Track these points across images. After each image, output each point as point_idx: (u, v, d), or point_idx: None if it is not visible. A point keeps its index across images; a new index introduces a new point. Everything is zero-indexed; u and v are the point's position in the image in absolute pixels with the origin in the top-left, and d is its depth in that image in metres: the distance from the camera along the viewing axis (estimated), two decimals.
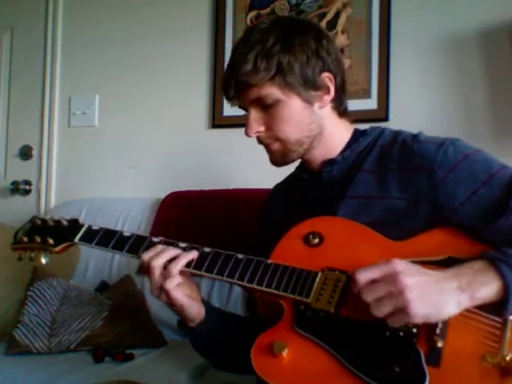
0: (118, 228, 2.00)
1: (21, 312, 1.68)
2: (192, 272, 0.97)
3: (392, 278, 0.77)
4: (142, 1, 2.32)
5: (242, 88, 0.98)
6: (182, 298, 0.96)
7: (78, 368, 1.45)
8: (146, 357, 1.56)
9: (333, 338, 0.83)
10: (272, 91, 0.97)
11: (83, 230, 1.06)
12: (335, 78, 1.02)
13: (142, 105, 2.29)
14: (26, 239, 1.08)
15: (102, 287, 1.86)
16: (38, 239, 1.07)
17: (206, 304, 1.04)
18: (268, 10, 2.09)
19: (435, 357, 0.78)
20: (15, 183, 2.46)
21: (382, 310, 0.77)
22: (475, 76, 1.82)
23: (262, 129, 1.01)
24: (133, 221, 2.02)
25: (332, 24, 1.98)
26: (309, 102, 1.00)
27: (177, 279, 0.94)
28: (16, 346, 1.58)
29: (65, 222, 1.08)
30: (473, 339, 0.80)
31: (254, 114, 1.00)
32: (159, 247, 0.97)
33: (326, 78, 1.00)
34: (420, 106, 1.89)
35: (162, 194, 2.03)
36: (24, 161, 2.48)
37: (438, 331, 0.79)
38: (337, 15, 1.98)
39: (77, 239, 1.05)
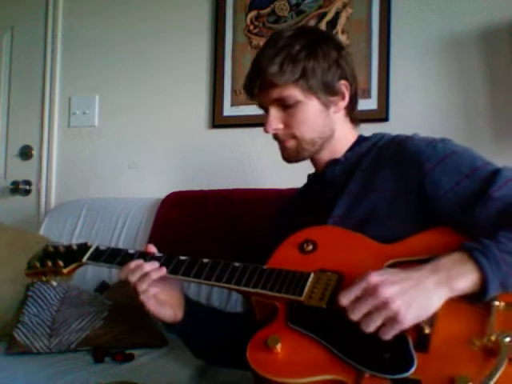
0: (118, 228, 2.01)
1: (21, 312, 1.67)
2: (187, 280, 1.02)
3: (373, 292, 0.79)
4: (142, 1, 2.32)
5: (265, 87, 1.07)
6: (154, 309, 1.00)
7: (78, 368, 1.45)
8: (146, 357, 1.55)
9: (324, 330, 0.86)
10: (294, 93, 1.06)
11: (91, 250, 1.11)
12: (351, 86, 1.12)
13: (141, 105, 2.29)
14: (38, 264, 1.14)
15: (102, 287, 1.86)
16: (50, 263, 1.12)
17: (186, 305, 1.08)
18: (268, 9, 2.09)
19: (423, 343, 0.80)
20: (15, 183, 2.46)
21: (372, 324, 0.79)
22: (475, 76, 1.82)
23: (281, 126, 1.09)
24: (133, 221, 2.02)
25: (332, 24, 1.98)
26: (326, 105, 1.10)
27: (148, 293, 0.98)
28: (16, 346, 1.58)
29: (75, 246, 1.14)
30: (460, 324, 0.82)
31: (274, 113, 1.09)
32: (133, 264, 1.00)
33: (343, 85, 1.11)
34: (420, 106, 1.89)
35: (162, 194, 2.03)
36: (24, 161, 2.48)
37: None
38: (337, 15, 1.98)
39: (84, 259, 1.10)
